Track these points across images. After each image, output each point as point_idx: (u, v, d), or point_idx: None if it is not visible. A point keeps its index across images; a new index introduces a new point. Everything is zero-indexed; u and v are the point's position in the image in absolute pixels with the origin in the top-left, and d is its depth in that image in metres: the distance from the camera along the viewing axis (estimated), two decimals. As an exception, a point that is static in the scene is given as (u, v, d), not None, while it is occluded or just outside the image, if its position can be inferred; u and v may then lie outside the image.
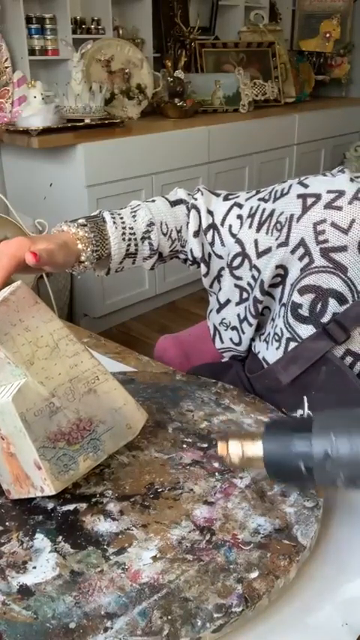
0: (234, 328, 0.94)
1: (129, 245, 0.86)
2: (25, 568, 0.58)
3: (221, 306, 0.94)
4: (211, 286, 0.94)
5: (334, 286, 0.78)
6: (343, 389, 0.80)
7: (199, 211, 0.89)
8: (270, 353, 0.88)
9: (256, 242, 0.84)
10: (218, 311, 0.95)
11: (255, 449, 0.61)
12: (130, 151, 2.51)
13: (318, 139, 3.50)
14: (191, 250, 0.90)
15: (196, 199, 0.90)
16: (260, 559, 0.58)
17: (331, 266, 0.77)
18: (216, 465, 0.72)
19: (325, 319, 0.79)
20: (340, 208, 0.76)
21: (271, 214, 0.82)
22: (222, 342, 0.98)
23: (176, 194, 0.92)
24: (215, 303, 0.96)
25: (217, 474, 0.70)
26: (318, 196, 0.78)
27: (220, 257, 0.90)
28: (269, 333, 0.89)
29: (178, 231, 0.89)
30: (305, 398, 0.83)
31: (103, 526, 0.63)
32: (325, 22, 3.73)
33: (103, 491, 0.68)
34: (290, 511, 0.65)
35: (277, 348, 0.86)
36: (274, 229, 0.81)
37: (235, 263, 0.87)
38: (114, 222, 0.84)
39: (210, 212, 0.89)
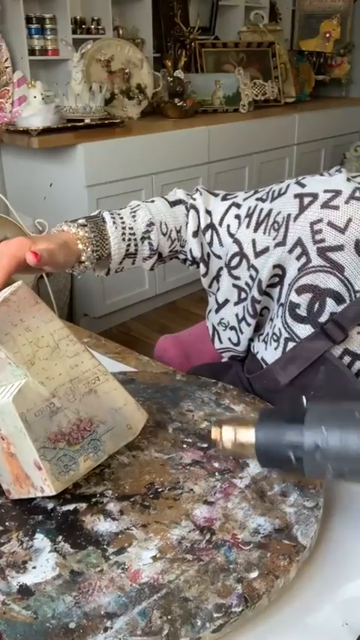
0: (232, 328, 0.94)
1: (129, 245, 0.86)
2: (25, 568, 0.58)
3: (220, 306, 0.94)
4: (210, 286, 0.94)
5: (332, 286, 0.78)
6: (341, 388, 0.80)
7: (197, 211, 0.89)
8: (269, 353, 0.88)
9: (253, 242, 0.84)
10: (217, 311, 0.95)
11: (248, 435, 0.62)
12: (130, 151, 2.51)
13: (318, 139, 3.50)
14: (190, 250, 0.90)
15: (194, 199, 0.90)
16: (260, 559, 0.59)
17: (328, 265, 0.77)
18: (216, 465, 0.72)
19: (322, 319, 0.80)
20: (336, 208, 0.76)
21: (268, 214, 0.82)
22: (221, 342, 0.98)
23: (175, 194, 0.92)
24: (214, 303, 0.96)
25: (217, 473, 0.70)
26: (315, 196, 0.78)
27: (219, 257, 0.90)
28: (268, 334, 0.89)
29: (178, 232, 0.89)
30: (304, 397, 0.83)
31: (103, 526, 0.63)
32: (325, 22, 3.74)
33: (103, 491, 0.68)
34: (290, 511, 0.65)
35: (276, 349, 0.86)
36: (271, 229, 0.81)
37: (233, 263, 0.87)
38: (114, 223, 0.85)
39: (208, 212, 0.89)
